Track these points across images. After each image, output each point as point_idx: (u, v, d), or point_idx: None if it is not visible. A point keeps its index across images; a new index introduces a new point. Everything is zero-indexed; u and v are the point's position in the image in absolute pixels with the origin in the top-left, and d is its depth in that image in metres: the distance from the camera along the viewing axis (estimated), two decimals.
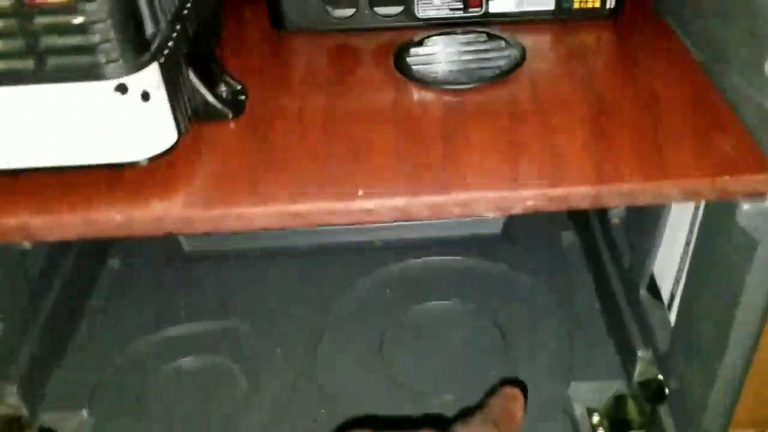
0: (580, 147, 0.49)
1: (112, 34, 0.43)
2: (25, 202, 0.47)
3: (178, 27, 0.50)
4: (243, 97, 0.57)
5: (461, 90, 0.57)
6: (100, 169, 0.47)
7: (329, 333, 0.80)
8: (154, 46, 0.46)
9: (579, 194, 0.46)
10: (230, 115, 0.55)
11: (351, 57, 0.63)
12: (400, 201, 0.47)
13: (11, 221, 0.46)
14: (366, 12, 0.64)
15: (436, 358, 0.76)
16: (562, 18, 0.64)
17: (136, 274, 0.88)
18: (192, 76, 0.52)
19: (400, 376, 0.75)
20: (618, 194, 0.47)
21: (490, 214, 0.47)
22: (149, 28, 0.46)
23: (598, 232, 0.82)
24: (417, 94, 0.57)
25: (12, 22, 0.41)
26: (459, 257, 0.88)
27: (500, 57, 0.60)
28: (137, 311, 0.83)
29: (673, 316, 0.64)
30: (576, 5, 0.63)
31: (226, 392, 0.75)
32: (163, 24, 0.48)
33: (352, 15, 0.64)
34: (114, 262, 0.89)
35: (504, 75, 0.57)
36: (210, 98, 0.53)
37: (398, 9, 0.64)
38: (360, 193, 0.47)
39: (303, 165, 0.49)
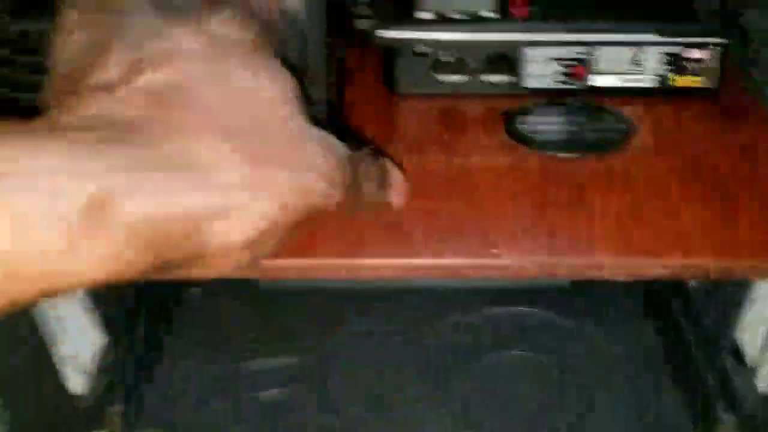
0: (699, 218, 0.52)
1: None
2: None
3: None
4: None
5: (574, 158, 0.60)
6: None
7: (400, 376, 0.82)
8: None
9: (705, 265, 0.49)
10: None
11: (463, 121, 0.66)
12: (538, 258, 0.50)
13: None
14: (475, 80, 0.68)
15: (503, 408, 0.79)
16: (664, 94, 0.68)
17: (216, 304, 0.91)
18: None
19: (467, 423, 0.77)
20: (741, 270, 0.49)
21: (620, 279, 0.50)
22: None
23: (671, 289, 0.84)
24: (531, 160, 0.60)
25: None
26: (529, 308, 0.90)
27: (608, 129, 0.64)
28: (216, 341, 0.86)
29: (761, 381, 0.66)
30: (678, 83, 0.67)
31: (301, 426, 0.77)
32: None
33: (462, 82, 0.68)
34: (196, 290, 0.92)
35: (614, 146, 0.61)
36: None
37: (506, 78, 0.68)
38: (495, 251, 0.50)
39: (437, 221, 0.53)
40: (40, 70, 0.37)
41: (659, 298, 0.87)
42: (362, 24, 0.75)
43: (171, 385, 0.83)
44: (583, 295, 0.92)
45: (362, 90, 0.71)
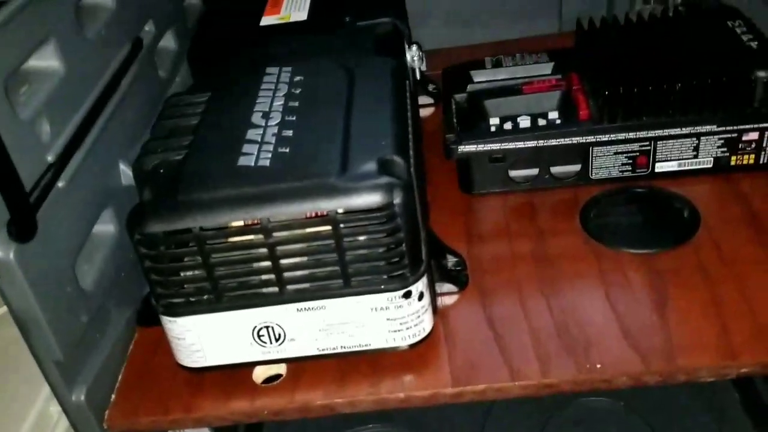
0: None
1: (404, 255, 0.53)
2: (328, 384, 0.57)
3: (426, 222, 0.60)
4: (461, 269, 0.66)
5: (652, 254, 0.66)
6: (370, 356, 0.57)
7: (491, 421, 0.87)
8: (423, 253, 0.56)
9: None
10: (457, 289, 0.64)
11: (539, 218, 0.72)
12: (632, 370, 0.55)
13: (317, 400, 0.56)
14: (545, 174, 0.74)
15: None
16: (719, 172, 0.73)
17: None
18: (433, 261, 0.62)
19: None
20: None
21: (709, 380, 0.56)
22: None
23: None
24: (613, 259, 0.66)
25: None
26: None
27: (677, 217, 0.69)
28: None
29: None
30: (733, 162, 0.72)
31: None
32: (422, 229, 0.58)
33: (533, 178, 0.74)
34: None
35: (686, 238, 0.66)
36: (446, 279, 0.62)
37: (575, 169, 0.73)
38: (598, 366, 0.56)
39: (535, 340, 0.59)
40: None
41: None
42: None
43: None
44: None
45: (439, 191, 0.76)
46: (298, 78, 0.63)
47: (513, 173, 0.74)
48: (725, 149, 0.71)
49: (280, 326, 0.56)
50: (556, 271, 0.65)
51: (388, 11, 0.75)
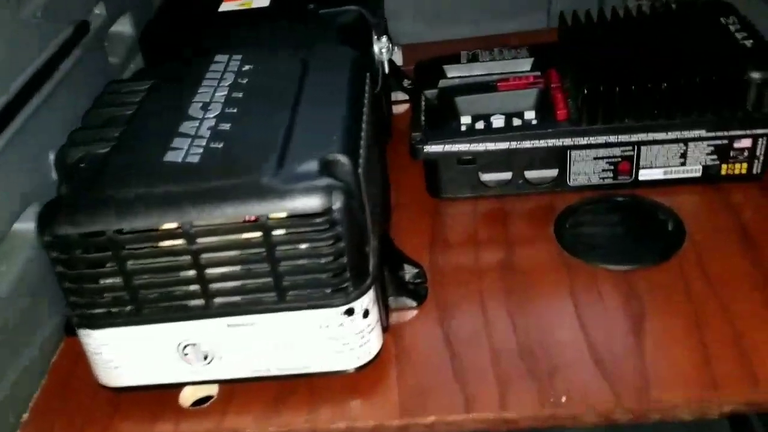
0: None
1: (345, 267, 0.47)
2: (261, 409, 0.51)
3: (378, 230, 0.54)
4: (421, 281, 0.60)
5: (630, 270, 0.60)
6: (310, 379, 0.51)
7: None
8: (371, 265, 0.50)
9: None
10: (415, 304, 0.58)
11: (510, 227, 0.66)
12: (602, 407, 0.49)
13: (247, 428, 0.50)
14: (519, 179, 0.67)
15: None
16: (708, 182, 0.67)
17: None
18: (387, 273, 0.56)
19: None
20: None
21: (687, 418, 0.50)
22: (367, 247, 0.50)
23: None
24: (588, 274, 0.60)
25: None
26: None
27: (660, 230, 0.63)
28: None
29: None
30: (723, 172, 0.66)
31: None
32: (372, 238, 0.52)
33: (506, 182, 0.68)
34: None
35: (669, 254, 0.60)
36: (402, 293, 0.56)
37: (551, 174, 0.67)
38: (563, 399, 0.50)
39: (496, 363, 0.53)
40: None
41: None
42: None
43: None
44: None
45: (405, 194, 0.70)
46: (247, 67, 0.57)
47: (484, 177, 0.68)
48: (715, 157, 0.65)
49: (207, 343, 0.49)
50: (524, 286, 0.59)
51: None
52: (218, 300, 0.48)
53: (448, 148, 0.66)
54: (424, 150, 0.66)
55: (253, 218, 0.44)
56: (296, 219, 0.45)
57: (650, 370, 0.51)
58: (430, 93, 0.72)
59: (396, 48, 0.89)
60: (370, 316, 0.50)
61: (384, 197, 0.60)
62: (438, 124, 0.69)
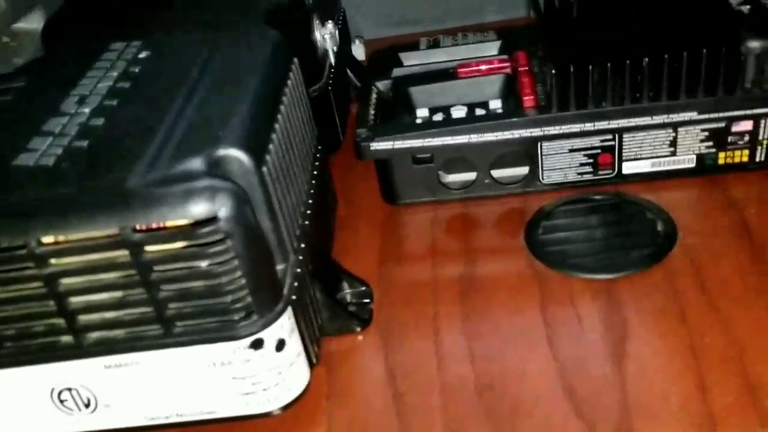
0: None
1: (245, 290, 0.37)
2: None
3: (302, 246, 0.44)
4: (368, 301, 0.51)
5: (611, 280, 0.50)
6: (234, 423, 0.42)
7: None
8: (285, 287, 0.41)
9: None
10: (358, 329, 0.49)
11: (475, 235, 0.57)
12: None
13: None
14: (485, 178, 0.58)
15: None
16: (704, 174, 0.57)
17: None
18: (319, 295, 0.46)
19: None
20: None
21: None
22: (279, 265, 0.41)
23: None
24: (562, 286, 0.50)
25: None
26: None
27: (647, 231, 0.53)
28: None
29: None
30: (721, 161, 0.57)
31: None
32: (291, 254, 0.42)
33: (470, 183, 0.58)
34: None
35: (657, 259, 0.51)
36: (339, 318, 0.47)
37: (522, 172, 0.58)
38: None
39: (447, 402, 0.44)
40: None
41: None
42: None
43: None
44: None
45: (357, 201, 0.61)
46: (144, 54, 0.48)
47: (446, 178, 0.58)
48: (710, 144, 0.56)
49: (86, 388, 0.40)
50: (486, 306, 0.50)
51: None
52: (91, 336, 0.38)
53: (399, 144, 0.56)
54: (371, 147, 0.56)
55: (112, 232, 0.35)
56: (176, 231, 0.35)
57: (633, 404, 0.41)
58: (383, 84, 0.63)
59: (357, 41, 0.80)
60: (286, 348, 0.40)
61: (321, 204, 0.51)
62: (390, 119, 0.59)
